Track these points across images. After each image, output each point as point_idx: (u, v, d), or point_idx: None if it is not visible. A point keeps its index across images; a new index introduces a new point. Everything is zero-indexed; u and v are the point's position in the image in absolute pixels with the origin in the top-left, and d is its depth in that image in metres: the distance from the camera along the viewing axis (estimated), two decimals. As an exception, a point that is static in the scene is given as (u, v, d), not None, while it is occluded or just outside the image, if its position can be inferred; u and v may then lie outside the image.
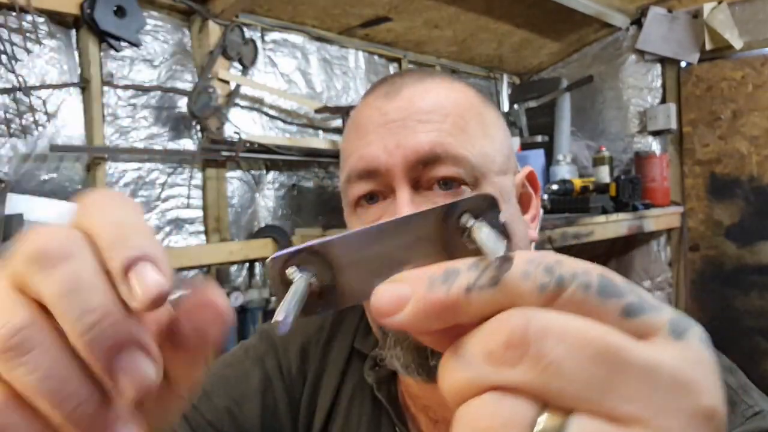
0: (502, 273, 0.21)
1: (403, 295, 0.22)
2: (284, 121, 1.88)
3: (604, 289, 0.20)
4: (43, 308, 0.23)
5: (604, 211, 1.87)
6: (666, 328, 0.20)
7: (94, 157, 1.44)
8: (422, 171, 0.53)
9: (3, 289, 0.23)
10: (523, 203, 0.62)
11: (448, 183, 0.53)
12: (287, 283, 0.24)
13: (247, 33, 1.74)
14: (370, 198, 0.55)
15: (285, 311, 0.23)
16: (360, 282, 0.25)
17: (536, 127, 2.40)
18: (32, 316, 0.22)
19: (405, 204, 0.52)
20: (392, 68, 2.25)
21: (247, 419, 0.60)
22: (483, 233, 0.23)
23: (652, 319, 0.20)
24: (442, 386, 0.21)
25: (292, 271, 0.24)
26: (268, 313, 1.69)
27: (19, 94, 1.30)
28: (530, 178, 0.63)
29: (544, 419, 0.19)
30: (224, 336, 0.26)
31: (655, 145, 2.43)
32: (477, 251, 0.23)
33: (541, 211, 0.66)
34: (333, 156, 1.91)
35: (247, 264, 1.74)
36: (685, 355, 0.20)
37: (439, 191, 0.53)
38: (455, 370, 0.21)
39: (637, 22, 2.39)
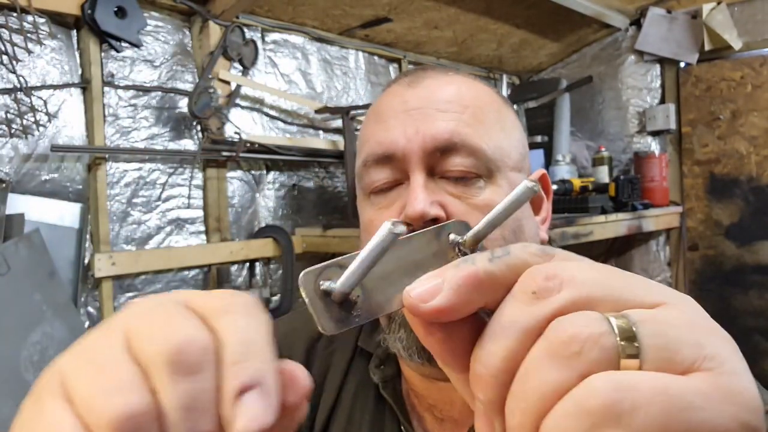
0: (508, 247, 0.25)
1: (436, 282, 0.24)
2: (285, 122, 1.88)
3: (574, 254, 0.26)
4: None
5: (604, 211, 1.87)
6: None
7: (95, 158, 1.44)
8: (438, 159, 0.53)
9: (125, 354, 0.23)
10: (535, 205, 0.62)
11: (462, 176, 0.54)
12: (322, 295, 0.26)
13: (248, 33, 1.75)
14: (384, 184, 0.56)
15: (328, 316, 0.26)
16: (384, 293, 0.28)
17: (536, 128, 2.41)
18: (150, 404, 0.22)
19: (419, 188, 0.52)
20: (392, 69, 2.25)
21: None
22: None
23: None
24: (492, 355, 0.23)
25: (326, 284, 0.26)
26: (269, 313, 1.69)
27: (20, 95, 1.31)
28: (543, 181, 0.63)
29: (612, 320, 0.22)
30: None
31: (654, 145, 2.44)
32: None
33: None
34: (333, 156, 1.91)
35: (247, 264, 1.74)
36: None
37: (452, 181, 0.54)
38: (501, 331, 0.23)
39: (637, 22, 2.39)
